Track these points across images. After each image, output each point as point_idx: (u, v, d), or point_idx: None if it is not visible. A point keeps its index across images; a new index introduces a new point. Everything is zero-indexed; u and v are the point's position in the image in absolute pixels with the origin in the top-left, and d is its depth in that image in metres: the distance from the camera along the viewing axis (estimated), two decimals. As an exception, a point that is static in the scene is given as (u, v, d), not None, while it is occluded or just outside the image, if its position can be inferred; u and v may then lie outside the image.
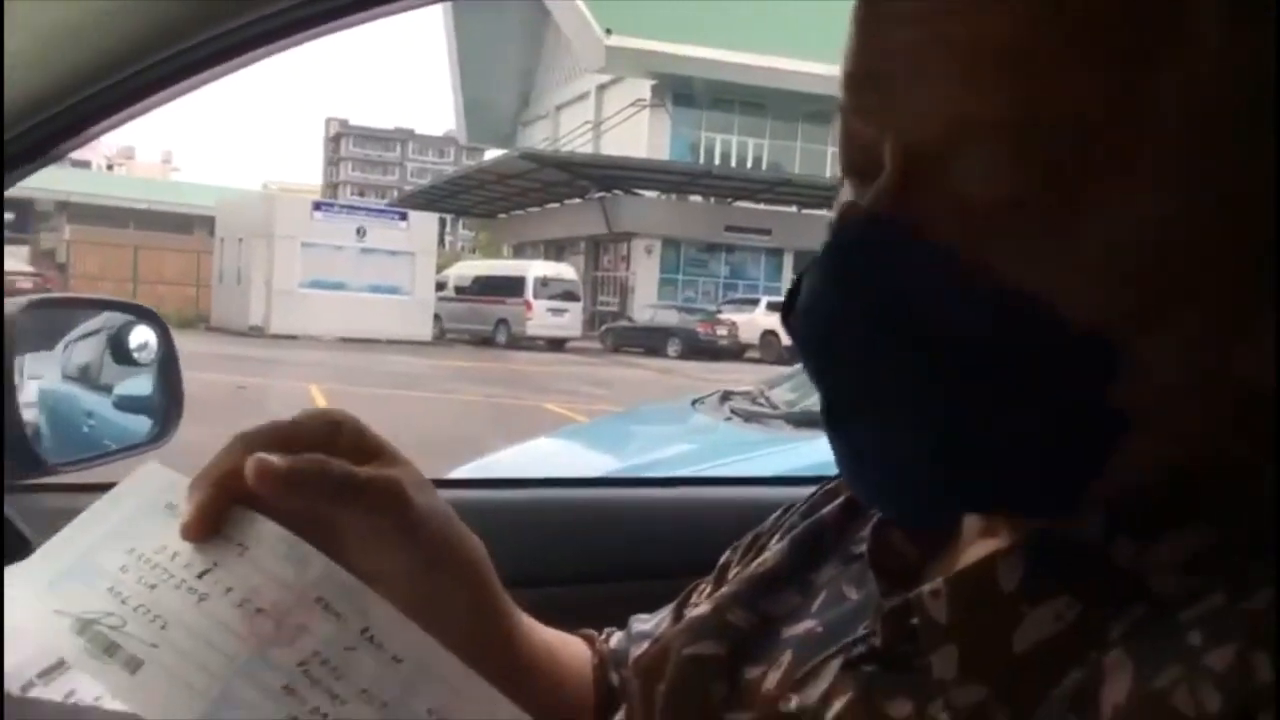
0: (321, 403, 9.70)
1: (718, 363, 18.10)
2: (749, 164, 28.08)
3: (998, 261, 0.40)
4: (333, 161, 71.85)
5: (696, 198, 26.58)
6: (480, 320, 22.49)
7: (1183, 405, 0.42)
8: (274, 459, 0.46)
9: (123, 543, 0.44)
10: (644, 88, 27.17)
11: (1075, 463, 0.42)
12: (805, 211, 25.22)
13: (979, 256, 0.40)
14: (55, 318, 1.41)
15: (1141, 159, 0.39)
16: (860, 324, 0.42)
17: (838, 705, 0.47)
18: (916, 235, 0.41)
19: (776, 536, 0.64)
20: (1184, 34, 0.40)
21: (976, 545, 0.48)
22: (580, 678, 0.68)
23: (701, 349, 19.78)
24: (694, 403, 3.48)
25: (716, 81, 25.75)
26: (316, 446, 0.49)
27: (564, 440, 3.61)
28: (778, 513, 0.67)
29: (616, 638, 0.72)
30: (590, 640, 0.72)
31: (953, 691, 0.43)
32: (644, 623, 0.71)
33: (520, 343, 21.09)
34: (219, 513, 0.45)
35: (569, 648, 0.69)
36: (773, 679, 0.52)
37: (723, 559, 0.69)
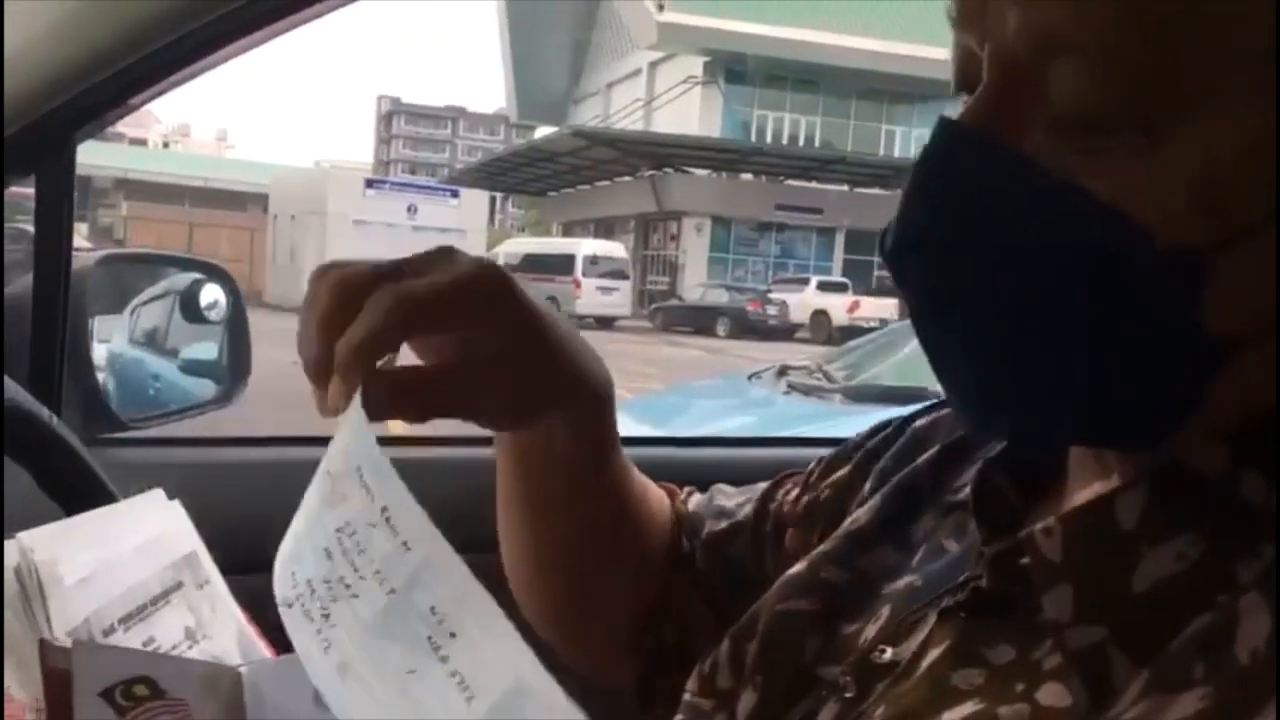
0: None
1: (768, 342, 17.99)
2: (801, 142, 27.85)
3: (1085, 177, 0.39)
4: (384, 139, 72.46)
5: (747, 176, 26.41)
6: (530, 298, 22.57)
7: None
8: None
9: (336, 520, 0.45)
10: (696, 65, 27.01)
11: (1172, 388, 0.41)
12: (858, 190, 24.98)
13: (1066, 172, 0.40)
14: (125, 275, 1.42)
15: (1232, 78, 0.39)
16: (948, 237, 0.41)
17: (934, 654, 0.46)
18: (1007, 147, 0.41)
19: (869, 482, 0.62)
20: None
21: (1087, 488, 0.47)
22: (661, 524, 0.68)
23: (751, 328, 19.70)
24: (751, 377, 3.46)
25: (769, 58, 25.52)
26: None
27: (624, 414, 3.59)
28: (865, 432, 0.66)
29: (695, 500, 0.71)
30: (671, 495, 0.71)
31: (1067, 633, 0.42)
32: (727, 498, 0.70)
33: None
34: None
35: (653, 492, 0.69)
36: (870, 631, 0.51)
37: (809, 467, 0.67)
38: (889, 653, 0.49)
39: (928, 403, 0.63)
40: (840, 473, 0.65)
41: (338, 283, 0.47)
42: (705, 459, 1.32)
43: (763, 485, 0.69)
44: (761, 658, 0.54)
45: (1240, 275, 0.39)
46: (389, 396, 0.46)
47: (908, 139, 27.60)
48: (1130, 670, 0.40)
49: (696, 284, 23.92)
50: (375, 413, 0.44)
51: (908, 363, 3.23)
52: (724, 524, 0.67)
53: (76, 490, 0.73)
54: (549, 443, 0.58)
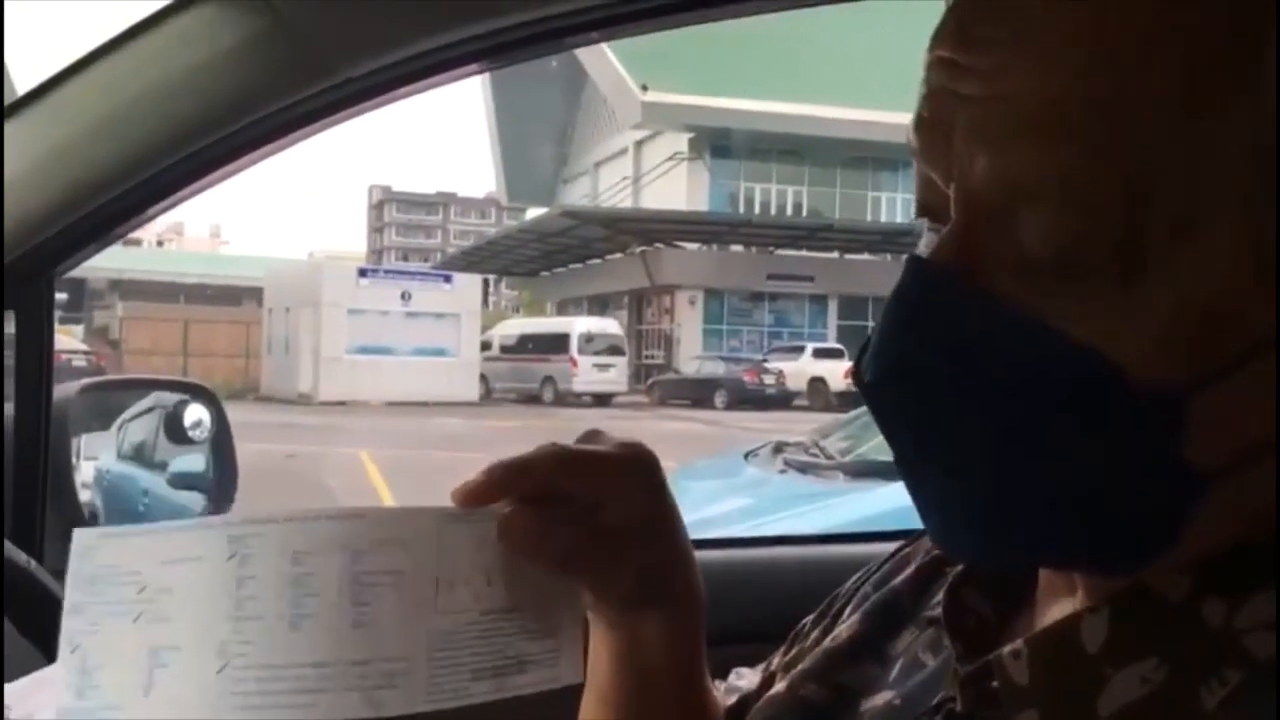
0: (372, 469, 9.76)
1: (766, 412, 17.98)
2: (789, 211, 28.16)
3: (1056, 317, 0.40)
4: (376, 228, 73.16)
5: (738, 247, 26.65)
6: (526, 379, 22.59)
7: (1261, 460, 0.40)
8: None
9: None
10: (681, 141, 27.42)
11: (1151, 520, 0.41)
12: (848, 257, 25.21)
13: (1038, 311, 0.40)
14: (109, 398, 1.42)
15: (1203, 216, 0.39)
16: (922, 372, 0.42)
17: None
18: (977, 286, 0.41)
19: (850, 607, 0.63)
20: (1249, 84, 0.39)
21: (1055, 606, 0.47)
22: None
23: (749, 398, 19.69)
24: (746, 455, 3.44)
25: (753, 132, 25.93)
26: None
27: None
28: (856, 577, 0.66)
29: (720, 690, 0.70)
30: None
31: None
32: (740, 677, 0.70)
33: (567, 399, 21.14)
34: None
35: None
36: None
37: (803, 622, 0.68)
38: None
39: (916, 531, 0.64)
40: (824, 623, 0.65)
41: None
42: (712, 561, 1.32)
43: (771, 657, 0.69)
44: None
45: (1219, 410, 0.39)
46: (539, 525, 0.49)
47: (894, 204, 27.93)
48: None
49: (692, 356, 23.97)
50: (517, 538, 0.48)
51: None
52: (733, 699, 0.67)
53: (56, 637, 0.73)
54: (644, 648, 0.59)
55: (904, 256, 0.45)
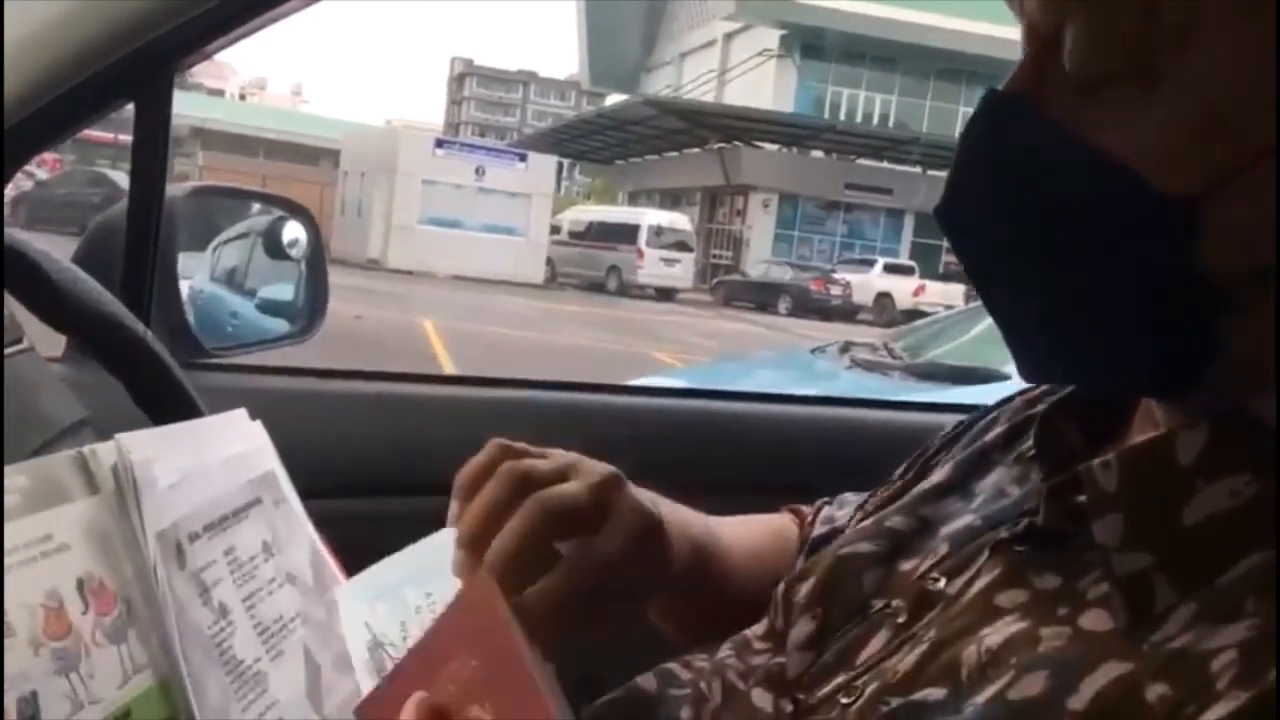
0: (435, 339, 9.92)
1: (829, 322, 17.85)
2: (875, 121, 27.42)
3: (1093, 132, 0.43)
4: (455, 101, 72.78)
5: (818, 153, 26.10)
6: (592, 266, 22.61)
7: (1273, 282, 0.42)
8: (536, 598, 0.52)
9: (426, 586, 0.56)
10: (772, 38, 26.67)
11: (1181, 332, 0.43)
12: (930, 172, 24.56)
13: (1080, 129, 0.43)
14: (212, 209, 1.45)
15: (1206, 25, 0.41)
16: (987, 193, 0.46)
17: (983, 581, 0.49)
18: (1033, 109, 0.45)
19: (939, 462, 0.65)
20: None
21: (1145, 438, 0.48)
22: (792, 559, 0.71)
23: (813, 307, 19.54)
24: (814, 351, 3.43)
25: (847, 34, 25.10)
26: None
27: (675, 382, 3.59)
28: (944, 434, 0.68)
29: (822, 514, 0.74)
30: (800, 519, 0.75)
31: (1114, 558, 0.43)
32: (840, 506, 0.73)
33: (630, 290, 21.15)
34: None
35: (778, 542, 0.73)
36: (925, 566, 0.54)
37: (897, 472, 0.69)
38: (942, 582, 0.51)
39: (986, 406, 0.67)
40: (911, 473, 0.67)
41: (506, 475, 0.53)
42: (786, 416, 1.33)
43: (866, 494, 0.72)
44: (819, 591, 0.56)
45: (1236, 217, 0.41)
46: (538, 616, 0.51)
47: (984, 122, 27.03)
48: (1175, 599, 0.41)
49: (760, 260, 23.76)
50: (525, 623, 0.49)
51: (972, 345, 3.18)
52: (826, 529, 0.71)
53: (167, 404, 0.76)
54: (671, 613, 0.67)
55: None
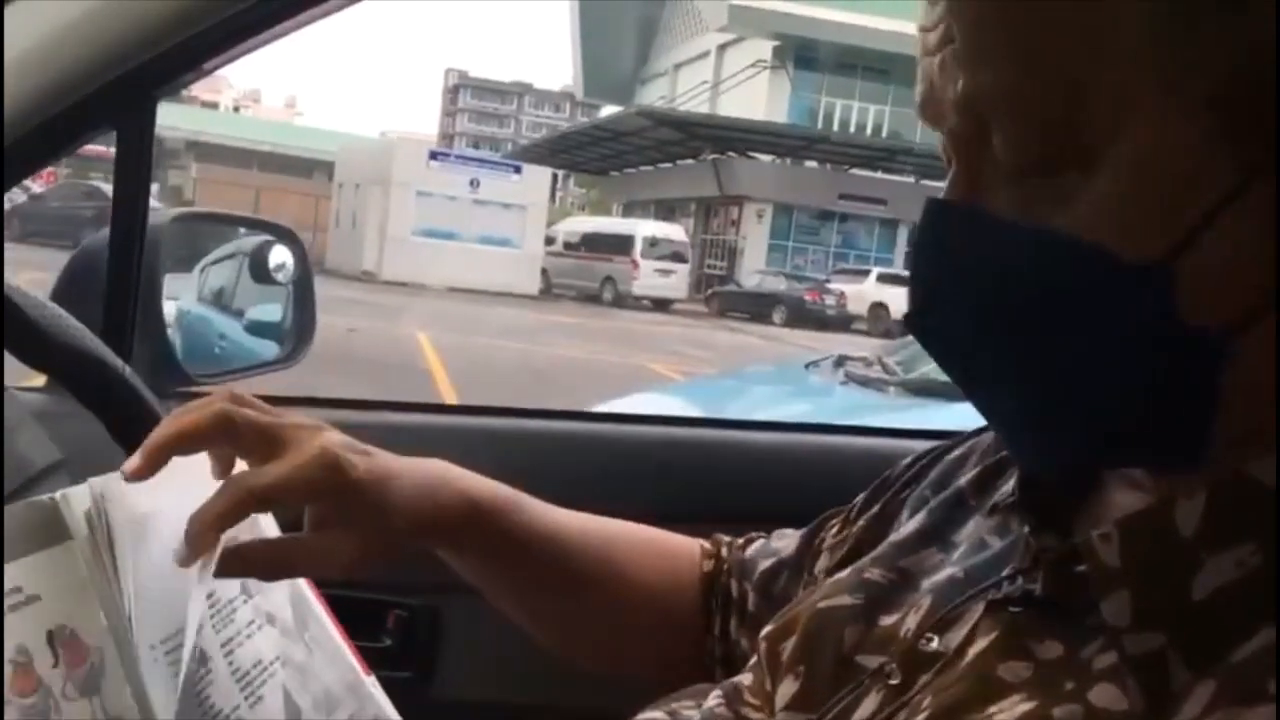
0: (429, 351, 9.91)
1: (824, 332, 17.87)
2: (869, 131, 27.49)
3: (1045, 218, 0.43)
4: (450, 112, 72.89)
5: (812, 163, 26.16)
6: (587, 277, 22.62)
7: (1272, 314, 0.42)
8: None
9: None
10: (765, 49, 26.76)
11: (1181, 390, 0.42)
12: (924, 182, 24.59)
13: (1030, 217, 0.43)
14: (197, 234, 1.44)
15: (1136, 106, 0.41)
16: (953, 299, 0.46)
17: (981, 644, 0.47)
18: (974, 208, 0.46)
19: (907, 511, 0.64)
20: None
21: (1125, 486, 0.49)
22: (683, 573, 0.73)
23: (807, 318, 19.57)
24: (808, 365, 3.43)
25: (841, 45, 25.19)
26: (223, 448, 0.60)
27: (667, 397, 3.59)
28: (907, 461, 0.68)
29: (755, 546, 0.74)
30: (714, 544, 0.76)
31: (1125, 638, 0.42)
32: (780, 539, 0.73)
33: (625, 301, 21.17)
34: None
35: (646, 548, 0.74)
36: (911, 621, 0.52)
37: (853, 502, 0.69)
38: (935, 642, 0.50)
39: (957, 435, 0.66)
40: (874, 508, 0.67)
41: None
42: (773, 444, 1.32)
43: (809, 526, 0.72)
44: (802, 649, 0.55)
45: (1207, 268, 0.41)
46: (241, 567, 0.57)
47: (977, 132, 27.14)
48: (1189, 677, 0.40)
49: (755, 270, 23.78)
50: (228, 573, 0.57)
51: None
52: (770, 562, 0.71)
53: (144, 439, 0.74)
54: (461, 557, 0.69)
55: None
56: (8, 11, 0.90)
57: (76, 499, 0.55)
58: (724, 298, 22.18)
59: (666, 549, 0.75)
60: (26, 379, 0.91)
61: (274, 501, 0.59)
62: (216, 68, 1.08)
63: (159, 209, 1.17)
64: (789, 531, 0.73)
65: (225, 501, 0.56)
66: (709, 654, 0.72)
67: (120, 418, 0.75)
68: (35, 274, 1.82)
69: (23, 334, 0.70)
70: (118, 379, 0.74)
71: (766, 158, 25.48)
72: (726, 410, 3.01)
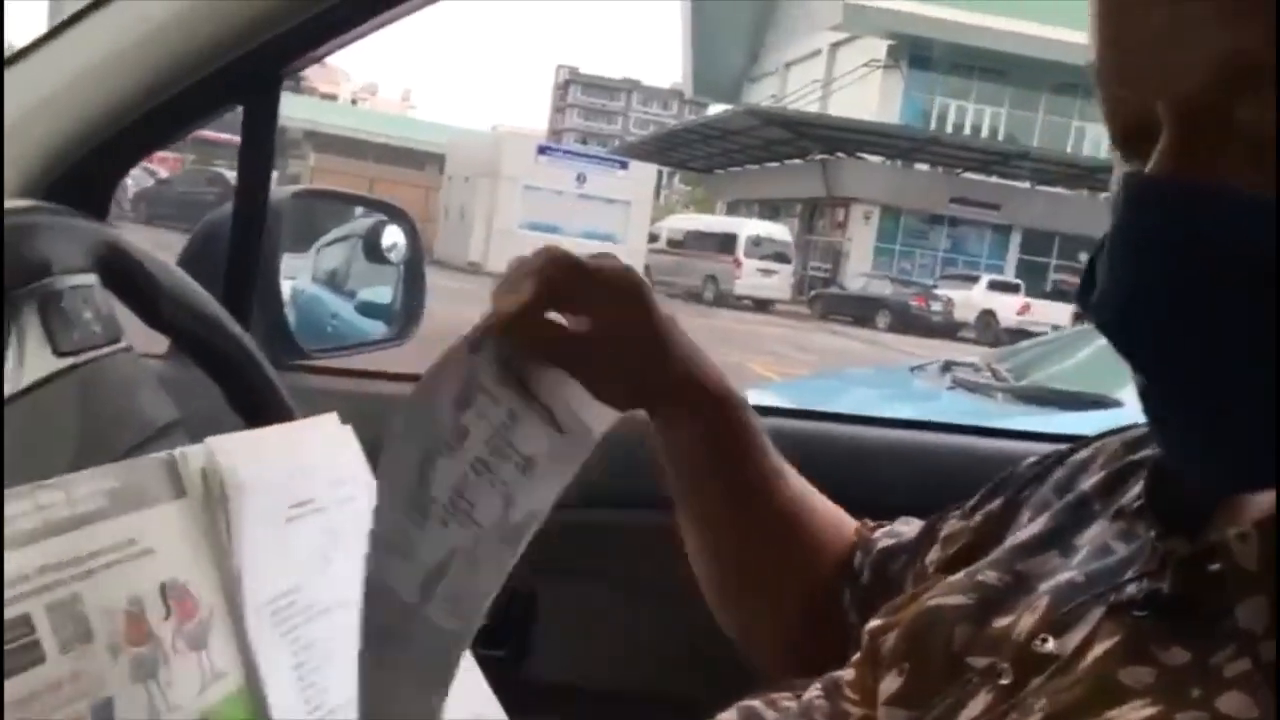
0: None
1: (929, 339, 17.52)
2: (984, 133, 26.82)
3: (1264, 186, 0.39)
4: (559, 108, 73.73)
5: (923, 166, 25.66)
6: (689, 275, 22.62)
7: None
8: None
9: None
10: (879, 48, 26.33)
11: None
12: (1040, 188, 23.94)
13: (1270, 190, 0.39)
14: (314, 213, 1.47)
15: None
16: (1173, 290, 0.41)
17: (1100, 649, 0.45)
18: (1209, 188, 0.40)
19: (1028, 512, 0.61)
20: None
21: (1265, 496, 0.45)
22: (831, 538, 0.71)
23: (912, 323, 19.21)
24: (913, 369, 3.36)
25: (957, 45, 24.63)
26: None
27: (770, 396, 3.55)
28: (1031, 461, 0.65)
29: (883, 529, 0.73)
30: (860, 523, 0.74)
31: (1261, 645, 0.41)
32: (906, 524, 0.71)
33: (727, 300, 21.10)
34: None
35: (824, 509, 0.72)
36: (1026, 623, 0.50)
37: (973, 499, 0.67)
38: (1050, 643, 0.48)
39: (1084, 436, 0.64)
40: (993, 504, 0.64)
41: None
42: (886, 441, 1.29)
43: (927, 521, 0.70)
44: (908, 644, 0.54)
45: None
46: (531, 332, 0.55)
47: (1099, 137, 26.24)
48: None
49: (859, 273, 23.46)
50: (518, 343, 0.55)
51: (1080, 368, 3.07)
52: (891, 543, 0.69)
53: (260, 407, 0.76)
54: (676, 439, 0.66)
55: (1103, 195, 0.45)
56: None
57: (193, 457, 0.57)
58: (827, 300, 21.93)
59: (840, 515, 0.74)
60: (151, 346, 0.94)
61: (574, 284, 0.57)
62: (339, 47, 1.10)
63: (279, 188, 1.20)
64: (914, 520, 0.71)
65: (535, 264, 0.56)
66: (839, 625, 0.70)
67: (237, 384, 0.76)
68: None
69: (148, 295, 0.72)
70: (237, 345, 0.76)
71: (876, 159, 25.08)
72: (831, 409, 2.96)
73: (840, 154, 24.66)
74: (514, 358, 0.55)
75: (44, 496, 0.48)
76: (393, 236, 1.33)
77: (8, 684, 0.43)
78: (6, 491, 0.47)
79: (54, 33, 0.89)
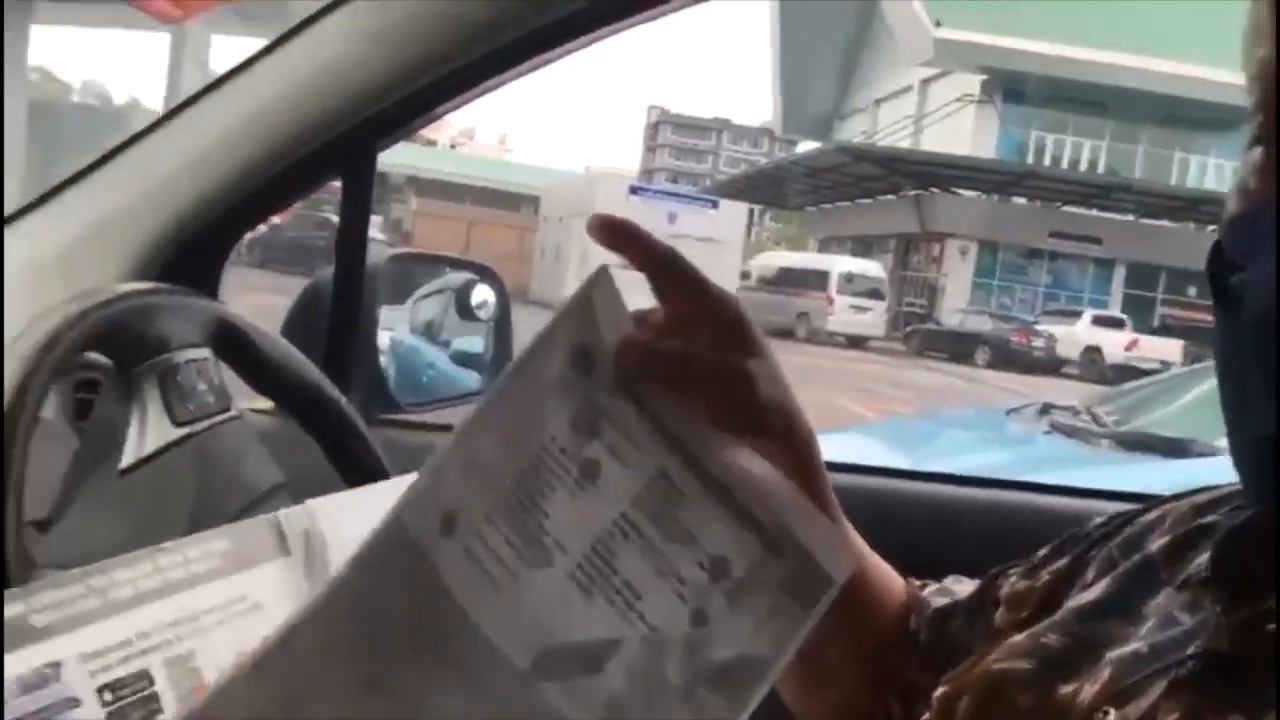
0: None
1: (1030, 376, 17.07)
2: (1083, 166, 26.19)
3: None
4: (650, 148, 74.40)
5: (1020, 200, 25.16)
6: (781, 312, 22.49)
7: None
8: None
9: None
10: (971, 83, 25.99)
11: None
12: (1143, 221, 23.25)
13: None
14: (407, 272, 1.54)
15: None
16: None
17: None
18: None
19: (1093, 570, 0.61)
20: None
21: None
22: (890, 600, 0.69)
23: (1013, 360, 18.75)
24: (1009, 412, 3.29)
25: (1053, 78, 24.13)
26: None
27: (860, 437, 3.51)
28: (1099, 520, 0.64)
29: (931, 588, 0.72)
30: (907, 580, 0.73)
31: None
32: (957, 582, 0.71)
33: (819, 337, 20.92)
34: None
35: (883, 568, 0.71)
36: (1088, 693, 0.50)
37: (1037, 555, 0.66)
38: (1112, 715, 0.48)
39: (1154, 495, 0.63)
40: (1060, 562, 0.64)
41: None
42: (963, 499, 1.28)
43: (984, 578, 0.69)
44: (975, 711, 0.54)
45: None
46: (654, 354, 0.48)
47: (1204, 168, 25.38)
48: None
49: (956, 309, 23.04)
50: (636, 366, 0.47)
51: (1190, 411, 2.96)
52: (945, 601, 0.69)
53: (357, 465, 0.81)
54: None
55: (1209, 227, 0.42)
56: (257, 66, 1.00)
57: (296, 519, 0.61)
58: (923, 336, 21.57)
59: (888, 570, 0.72)
60: (255, 402, 1.00)
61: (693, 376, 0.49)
62: (428, 124, 1.16)
63: (378, 241, 1.26)
64: (964, 579, 0.71)
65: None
66: (898, 684, 0.68)
67: (334, 442, 0.81)
68: (267, 297, 1.99)
69: (255, 365, 0.77)
70: (334, 408, 0.80)
71: (971, 193, 24.69)
72: (921, 453, 2.93)
73: (934, 189, 24.35)
74: (633, 381, 0.46)
75: (163, 559, 0.53)
76: (482, 294, 1.38)
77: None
78: (133, 555, 0.51)
79: (164, 119, 0.97)
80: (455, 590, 0.42)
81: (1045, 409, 3.17)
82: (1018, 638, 0.57)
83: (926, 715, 0.58)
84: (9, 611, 0.46)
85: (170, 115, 0.97)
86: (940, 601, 0.69)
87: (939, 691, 0.58)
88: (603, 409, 0.45)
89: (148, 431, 0.67)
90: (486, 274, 1.40)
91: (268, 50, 1.00)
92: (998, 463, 2.78)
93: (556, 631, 0.42)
